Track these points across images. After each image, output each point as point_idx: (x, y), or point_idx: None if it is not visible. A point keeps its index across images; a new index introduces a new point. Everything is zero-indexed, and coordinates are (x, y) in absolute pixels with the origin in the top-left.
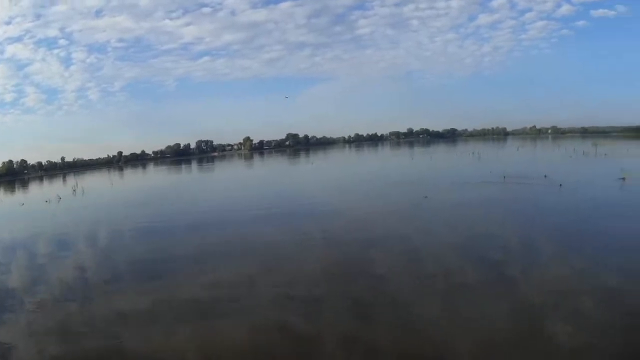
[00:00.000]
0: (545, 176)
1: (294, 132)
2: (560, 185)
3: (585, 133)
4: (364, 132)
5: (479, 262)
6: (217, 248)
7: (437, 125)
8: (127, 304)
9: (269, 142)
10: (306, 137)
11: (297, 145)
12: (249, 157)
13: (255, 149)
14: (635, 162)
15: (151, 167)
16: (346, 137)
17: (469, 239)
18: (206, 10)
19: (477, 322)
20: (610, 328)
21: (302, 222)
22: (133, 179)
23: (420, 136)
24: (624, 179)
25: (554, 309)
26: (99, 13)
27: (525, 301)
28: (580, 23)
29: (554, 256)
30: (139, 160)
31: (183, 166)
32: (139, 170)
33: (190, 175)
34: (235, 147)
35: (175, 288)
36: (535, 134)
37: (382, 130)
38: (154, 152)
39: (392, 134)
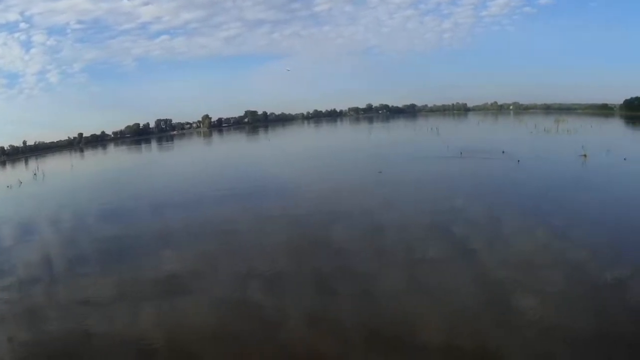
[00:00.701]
0: (503, 152)
1: (252, 109)
2: (519, 161)
3: (548, 109)
4: (322, 108)
5: (440, 236)
6: (181, 229)
7: (397, 100)
8: (93, 286)
9: (227, 120)
10: (265, 113)
11: (255, 122)
12: (208, 135)
13: (214, 126)
14: (598, 140)
15: (111, 148)
16: (305, 113)
17: (424, 214)
18: None
19: (442, 296)
20: (576, 302)
21: (263, 201)
22: (93, 161)
23: (380, 112)
24: (585, 156)
25: (520, 283)
26: None
27: (489, 275)
28: (544, 1)
29: (512, 230)
30: (99, 141)
31: (143, 146)
32: (99, 151)
33: (150, 156)
34: (195, 125)
35: (139, 270)
36: (496, 109)
37: (341, 106)
38: (113, 133)
39: (351, 109)
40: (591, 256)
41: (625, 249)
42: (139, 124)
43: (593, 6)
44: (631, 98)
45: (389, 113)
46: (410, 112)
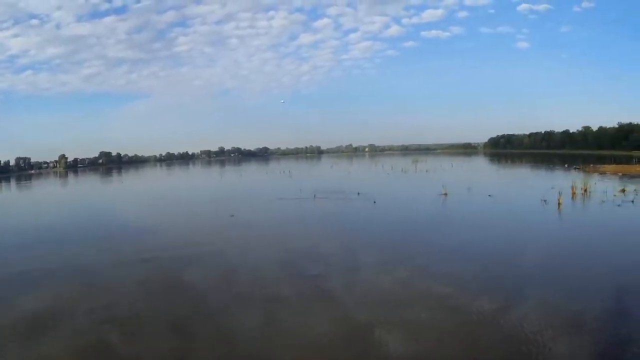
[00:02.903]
0: (358, 193)
1: (107, 149)
2: (375, 201)
3: (406, 150)
4: (175, 150)
5: (297, 277)
6: (39, 269)
7: (250, 144)
8: None
9: (82, 160)
10: (118, 155)
11: (110, 164)
12: (64, 176)
13: (70, 167)
14: (459, 178)
15: None
16: (158, 155)
17: (278, 255)
18: (34, 22)
19: (301, 336)
20: (442, 336)
21: (115, 243)
22: None
23: (232, 155)
24: (445, 194)
25: (382, 320)
26: None
27: (350, 313)
28: (409, 44)
29: (369, 268)
30: None
31: (3, 184)
32: None
33: (10, 195)
34: (52, 165)
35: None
36: (351, 151)
37: (194, 148)
38: None
39: (203, 152)
40: (452, 290)
41: (487, 282)
42: None
43: (460, 49)
44: (496, 136)
45: (241, 156)
46: (262, 155)
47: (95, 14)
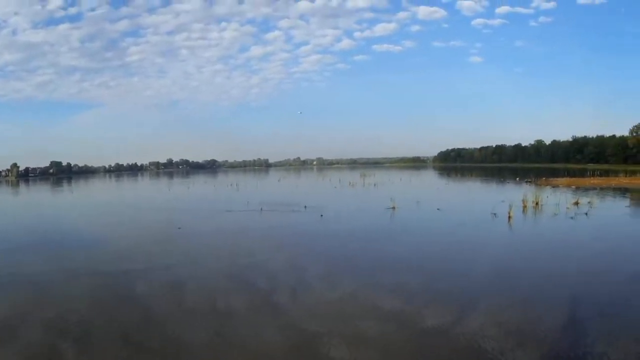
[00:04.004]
0: (305, 207)
1: (58, 159)
2: (322, 215)
3: (355, 164)
4: (124, 161)
5: (244, 289)
6: None
7: (198, 156)
8: None
9: (34, 170)
10: (69, 165)
11: (60, 174)
12: (15, 185)
13: (22, 176)
14: (408, 192)
15: None
16: (107, 166)
17: (226, 268)
18: None
19: (250, 349)
20: (392, 348)
21: (63, 255)
22: None
23: (180, 167)
24: (393, 208)
25: (330, 333)
26: None
27: (298, 327)
28: (360, 57)
29: (319, 282)
30: None
31: None
32: None
33: None
34: (3, 174)
35: None
36: (299, 165)
37: (143, 159)
38: None
39: (151, 164)
40: (402, 303)
41: (437, 295)
42: None
43: (412, 63)
44: (446, 150)
45: (189, 168)
46: (210, 167)
47: (51, 21)
